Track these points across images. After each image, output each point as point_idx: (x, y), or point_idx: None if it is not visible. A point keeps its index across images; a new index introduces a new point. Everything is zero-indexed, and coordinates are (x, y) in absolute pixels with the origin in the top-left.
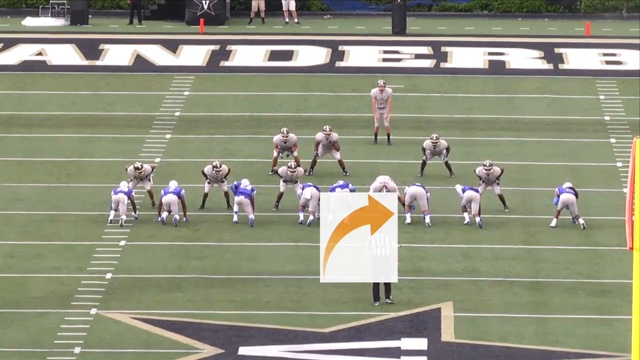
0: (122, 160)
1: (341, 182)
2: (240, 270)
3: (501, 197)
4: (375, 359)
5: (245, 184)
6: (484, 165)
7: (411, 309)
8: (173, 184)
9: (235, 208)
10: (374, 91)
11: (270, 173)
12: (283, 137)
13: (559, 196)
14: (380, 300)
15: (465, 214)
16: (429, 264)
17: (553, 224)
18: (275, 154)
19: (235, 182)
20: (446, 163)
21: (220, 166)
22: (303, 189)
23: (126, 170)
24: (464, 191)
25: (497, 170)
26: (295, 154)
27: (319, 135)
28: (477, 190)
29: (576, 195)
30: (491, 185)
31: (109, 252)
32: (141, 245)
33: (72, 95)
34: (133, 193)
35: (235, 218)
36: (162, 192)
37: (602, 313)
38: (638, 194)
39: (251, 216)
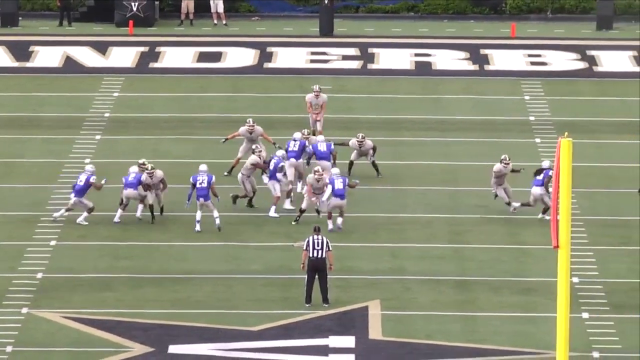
0: (52, 161)
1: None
2: (169, 269)
3: (374, 164)
4: (303, 357)
5: (203, 169)
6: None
7: (339, 308)
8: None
9: (198, 216)
10: (309, 96)
11: (225, 174)
12: (249, 127)
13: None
14: (312, 302)
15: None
16: (356, 263)
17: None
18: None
19: (191, 179)
20: (373, 163)
21: (152, 169)
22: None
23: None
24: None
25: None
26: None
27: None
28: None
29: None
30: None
31: (40, 252)
32: (72, 245)
33: (2, 97)
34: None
35: (197, 227)
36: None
37: (527, 311)
38: (562, 194)
39: (217, 220)
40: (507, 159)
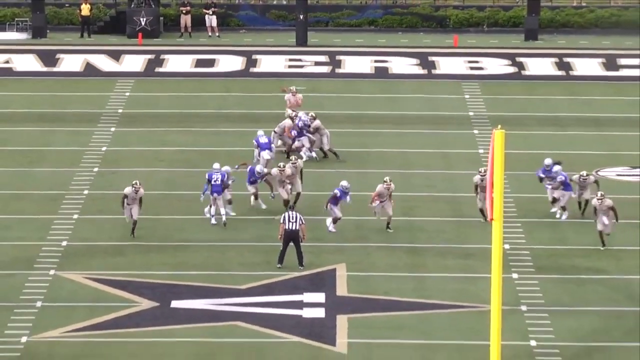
0: (75, 149)
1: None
2: (172, 238)
3: (331, 151)
4: (282, 310)
5: (217, 168)
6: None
7: (312, 270)
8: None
9: (212, 211)
10: (288, 96)
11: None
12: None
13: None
14: (285, 265)
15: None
16: (326, 233)
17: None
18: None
19: (207, 175)
20: (330, 150)
21: (139, 185)
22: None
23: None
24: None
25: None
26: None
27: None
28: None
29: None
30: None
31: (64, 224)
32: (91, 219)
33: (34, 96)
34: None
35: (213, 220)
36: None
37: (467, 272)
38: (496, 176)
39: (224, 217)
40: (484, 171)
